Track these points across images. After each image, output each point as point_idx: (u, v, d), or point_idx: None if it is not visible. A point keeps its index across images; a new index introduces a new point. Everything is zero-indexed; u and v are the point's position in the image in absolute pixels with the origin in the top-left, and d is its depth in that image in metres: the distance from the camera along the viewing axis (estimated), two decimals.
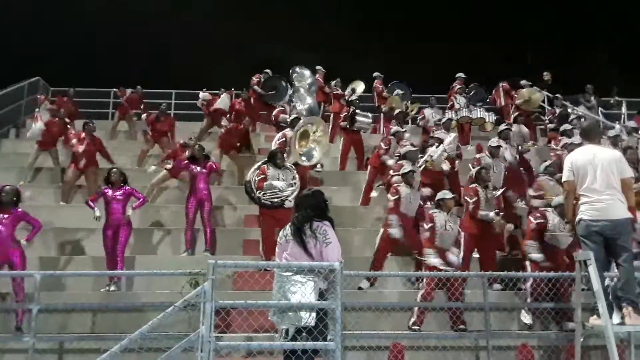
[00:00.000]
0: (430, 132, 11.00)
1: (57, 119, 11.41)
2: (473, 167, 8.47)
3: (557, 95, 13.43)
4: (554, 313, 6.69)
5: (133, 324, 5.47)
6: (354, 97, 12.47)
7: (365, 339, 6.11)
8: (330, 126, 12.23)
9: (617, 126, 11.27)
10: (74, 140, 9.98)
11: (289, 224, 4.55)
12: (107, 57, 22.30)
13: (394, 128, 10.40)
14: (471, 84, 14.04)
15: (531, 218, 7.22)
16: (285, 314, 4.26)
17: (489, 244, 7.73)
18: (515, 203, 8.68)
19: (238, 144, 11.18)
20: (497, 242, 7.97)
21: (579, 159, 5.32)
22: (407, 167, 7.97)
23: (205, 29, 23.43)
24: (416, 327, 6.65)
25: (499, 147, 9.11)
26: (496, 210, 7.61)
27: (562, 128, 11.00)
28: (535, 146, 11.58)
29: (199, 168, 8.52)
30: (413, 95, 14.52)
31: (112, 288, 7.36)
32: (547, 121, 13.52)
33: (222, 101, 13.09)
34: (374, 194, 9.76)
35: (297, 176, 7.91)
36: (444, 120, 11.14)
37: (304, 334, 4.21)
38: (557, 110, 13.03)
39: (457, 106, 13.03)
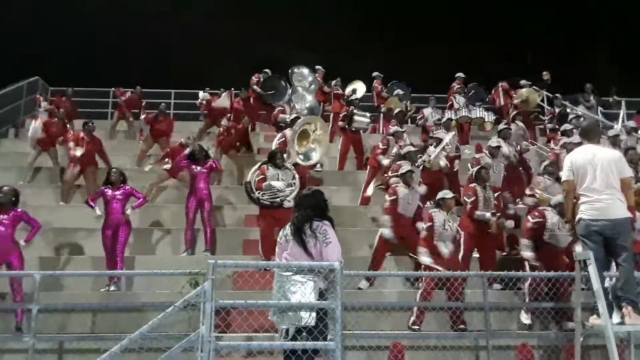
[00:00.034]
0: (429, 132, 10.99)
1: (55, 119, 11.39)
2: (472, 167, 8.46)
3: (557, 95, 13.44)
4: (553, 313, 6.69)
5: (133, 324, 5.46)
6: (354, 97, 12.46)
7: (365, 338, 6.10)
8: (330, 126, 12.22)
9: (617, 126, 11.27)
10: (71, 144, 9.91)
11: (289, 223, 4.55)
12: (107, 57, 22.32)
13: (393, 128, 10.40)
14: (470, 84, 14.05)
15: (529, 217, 7.23)
16: (285, 314, 4.25)
17: (489, 244, 7.73)
18: (509, 206, 8.55)
19: (237, 144, 11.18)
20: (496, 241, 7.95)
21: (578, 159, 5.32)
22: (405, 167, 7.94)
23: (205, 29, 23.45)
24: (416, 327, 6.65)
25: (498, 147, 9.09)
26: (492, 211, 7.60)
27: (562, 128, 11.01)
28: (535, 146, 11.58)
29: (199, 168, 8.50)
30: (413, 95, 14.53)
31: (112, 288, 7.36)
32: (546, 121, 13.54)
33: (223, 100, 13.09)
34: (369, 191, 9.71)
35: (296, 176, 7.91)
36: (443, 120, 11.14)
37: (304, 333, 4.20)
38: (557, 110, 13.05)
39: (456, 106, 13.03)
